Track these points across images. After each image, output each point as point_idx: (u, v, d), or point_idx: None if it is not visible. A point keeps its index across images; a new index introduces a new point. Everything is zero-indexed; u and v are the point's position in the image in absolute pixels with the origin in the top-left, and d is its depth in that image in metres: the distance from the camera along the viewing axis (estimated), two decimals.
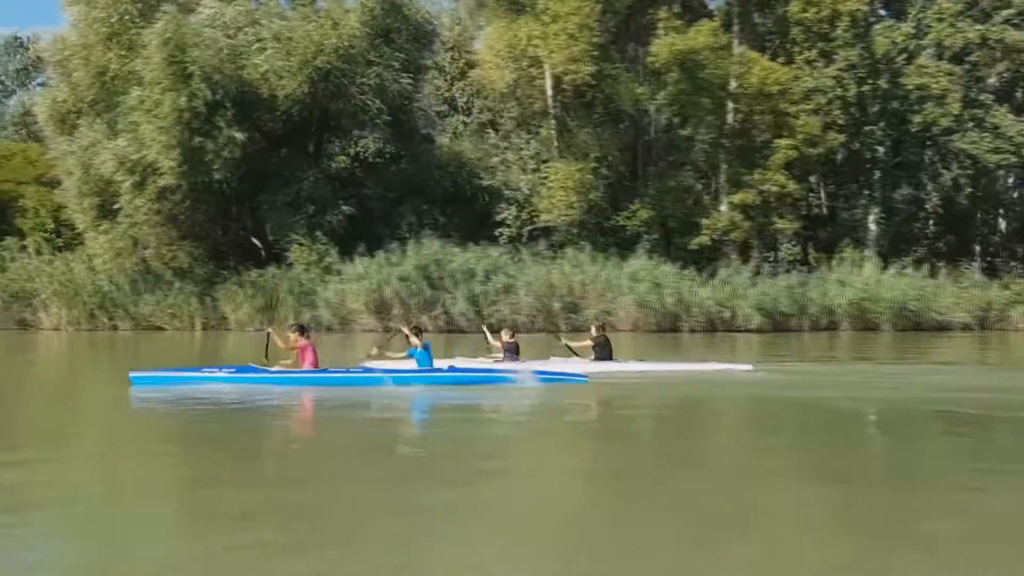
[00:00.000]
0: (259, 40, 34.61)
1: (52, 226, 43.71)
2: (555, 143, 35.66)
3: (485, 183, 38.65)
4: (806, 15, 33.22)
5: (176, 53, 32.60)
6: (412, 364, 13.99)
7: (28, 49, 65.94)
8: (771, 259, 37.46)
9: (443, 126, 45.36)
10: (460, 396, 12.67)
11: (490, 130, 45.71)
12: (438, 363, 14.51)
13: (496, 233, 36.20)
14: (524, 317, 30.21)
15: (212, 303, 34.14)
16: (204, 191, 34.75)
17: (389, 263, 31.29)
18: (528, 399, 12.54)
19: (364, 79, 37.66)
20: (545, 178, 34.16)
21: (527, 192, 35.76)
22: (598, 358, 16.13)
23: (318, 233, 34.76)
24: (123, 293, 34.81)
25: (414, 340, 14.01)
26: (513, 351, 16.02)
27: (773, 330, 29.24)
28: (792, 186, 33.04)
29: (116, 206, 33.63)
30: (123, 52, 34.80)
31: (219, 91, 32.96)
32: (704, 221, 34.03)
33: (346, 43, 35.11)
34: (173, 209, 34.23)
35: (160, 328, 33.58)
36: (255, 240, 37.66)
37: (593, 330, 16.89)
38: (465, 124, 45.68)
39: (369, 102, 37.91)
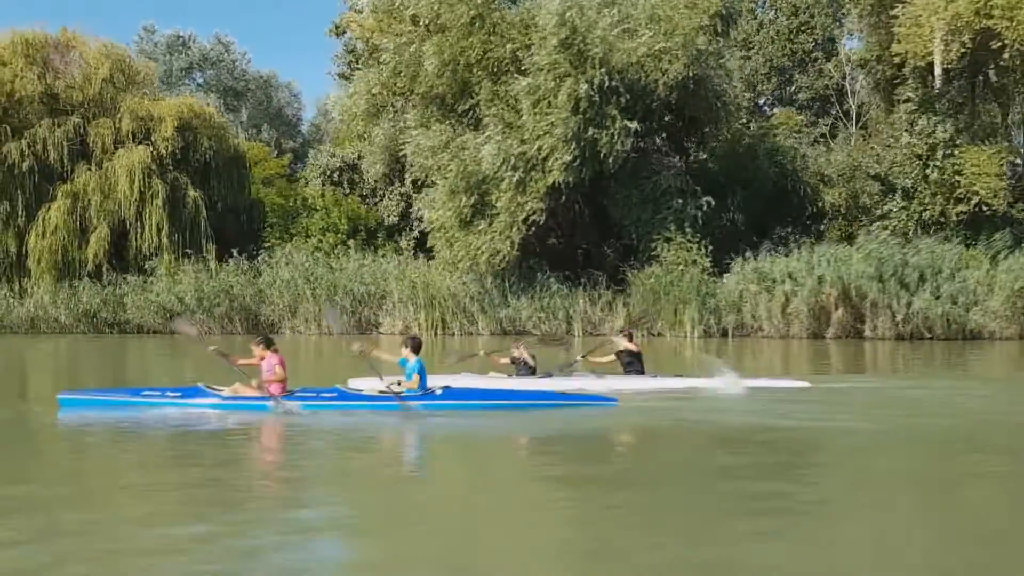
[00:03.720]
0: (621, 21, 31.81)
1: (346, 227, 41.64)
2: (943, 125, 32.40)
3: (806, 173, 35.93)
4: None
5: (571, 35, 29.99)
6: (402, 374, 11.92)
7: (190, 47, 64.64)
8: None
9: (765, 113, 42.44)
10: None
11: (802, 117, 42.84)
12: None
13: (875, 228, 33.07)
14: (996, 324, 27.17)
15: (578, 306, 31.86)
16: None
17: (826, 260, 28.34)
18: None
19: (724, 60, 35.14)
20: (959, 165, 30.97)
21: (916, 180, 32.57)
22: (628, 372, 13.78)
23: (688, 228, 32.22)
24: (486, 296, 32.55)
25: (406, 352, 11.80)
26: (527, 367, 13.98)
27: None
28: None
29: (497, 203, 31.09)
30: (487, 37, 32.29)
31: (615, 76, 30.34)
32: None
33: (708, 23, 32.34)
34: (556, 206, 31.68)
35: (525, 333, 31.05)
36: (601, 238, 35.19)
37: (621, 338, 14.19)
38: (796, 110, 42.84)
39: (726, 86, 35.42)
